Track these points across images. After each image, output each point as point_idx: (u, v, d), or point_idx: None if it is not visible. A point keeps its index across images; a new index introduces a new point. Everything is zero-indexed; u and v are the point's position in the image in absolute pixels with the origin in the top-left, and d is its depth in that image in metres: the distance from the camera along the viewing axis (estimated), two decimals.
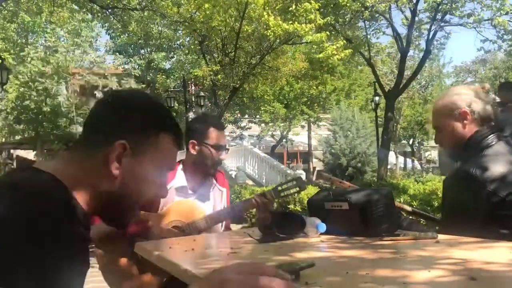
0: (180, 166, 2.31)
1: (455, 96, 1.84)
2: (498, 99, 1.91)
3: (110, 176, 0.91)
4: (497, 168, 1.66)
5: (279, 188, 2.26)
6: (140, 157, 0.93)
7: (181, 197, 2.24)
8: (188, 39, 15.37)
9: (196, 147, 2.26)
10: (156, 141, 0.96)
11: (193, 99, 19.95)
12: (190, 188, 2.27)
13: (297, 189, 2.25)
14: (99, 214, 0.98)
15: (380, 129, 15.47)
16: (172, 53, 21.58)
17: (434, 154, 31.85)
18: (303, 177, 15.20)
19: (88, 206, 0.91)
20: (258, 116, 24.30)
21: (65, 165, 0.92)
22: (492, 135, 1.77)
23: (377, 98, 17.71)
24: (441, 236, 1.53)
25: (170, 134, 0.99)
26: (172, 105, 18.07)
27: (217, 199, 2.35)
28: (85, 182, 0.90)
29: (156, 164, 0.96)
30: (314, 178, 19.17)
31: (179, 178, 2.26)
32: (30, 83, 13.12)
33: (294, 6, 10.96)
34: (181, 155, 2.38)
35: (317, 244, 1.61)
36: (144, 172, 0.94)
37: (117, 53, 22.37)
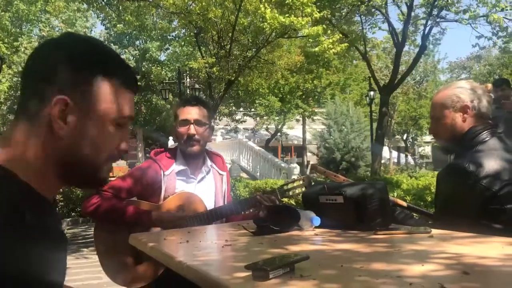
0: (178, 151, 2.32)
1: (460, 89, 1.87)
2: (492, 96, 1.93)
3: (59, 138, 0.81)
4: (490, 163, 1.68)
5: (285, 187, 2.26)
6: (88, 110, 0.83)
7: (182, 181, 2.25)
8: (183, 30, 15.28)
9: (174, 131, 2.29)
10: (102, 88, 0.84)
11: (188, 92, 19.90)
12: (190, 171, 2.28)
13: (304, 189, 2.23)
14: (67, 183, 0.89)
15: (374, 124, 15.49)
16: (167, 44, 21.46)
17: (427, 150, 32.04)
18: (297, 170, 15.22)
19: (47, 183, 0.83)
20: (253, 110, 24.27)
21: (14, 145, 0.82)
22: (486, 131, 1.80)
23: (372, 93, 17.76)
24: (434, 231, 1.54)
25: (118, 77, 0.87)
26: (167, 97, 18.02)
27: (218, 183, 2.36)
28: (37, 155, 0.81)
29: (109, 116, 0.85)
30: (308, 172, 19.21)
31: (179, 161, 2.27)
32: None
33: None
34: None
35: (312, 237, 1.62)
36: (97, 126, 0.84)
37: (112, 44, 22.23)
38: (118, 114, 0.87)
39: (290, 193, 2.25)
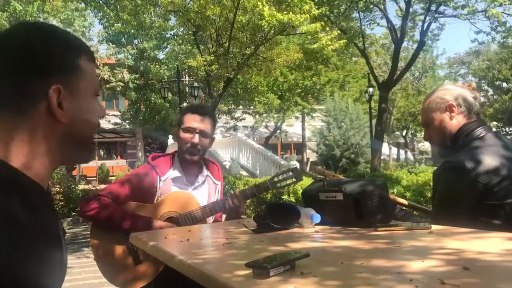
0: (176, 156, 2.31)
1: (442, 91, 1.91)
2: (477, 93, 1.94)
3: (59, 124, 0.85)
4: (485, 159, 1.68)
5: (276, 178, 2.27)
6: (76, 91, 0.87)
7: (177, 188, 2.25)
8: (182, 29, 15.26)
9: (176, 135, 2.29)
10: (80, 67, 0.89)
11: (187, 90, 19.89)
12: (185, 178, 2.27)
13: (294, 180, 2.25)
14: (62, 163, 0.92)
15: (374, 121, 15.50)
16: (166, 43, 21.43)
17: (427, 145, 32.00)
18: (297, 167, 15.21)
19: (45, 168, 0.85)
20: (252, 107, 24.26)
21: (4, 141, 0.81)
22: (480, 127, 1.80)
23: (371, 89, 17.74)
24: (434, 227, 1.54)
25: (84, 53, 0.91)
26: (166, 96, 18.01)
27: (212, 192, 2.35)
28: (34, 146, 0.83)
29: (90, 89, 0.92)
30: (308, 169, 19.21)
31: (175, 168, 2.26)
32: None
33: None
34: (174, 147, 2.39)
35: (312, 234, 1.62)
36: (86, 103, 0.90)
37: (110, 43, 22.21)
38: (96, 85, 0.94)
39: (282, 183, 2.26)
